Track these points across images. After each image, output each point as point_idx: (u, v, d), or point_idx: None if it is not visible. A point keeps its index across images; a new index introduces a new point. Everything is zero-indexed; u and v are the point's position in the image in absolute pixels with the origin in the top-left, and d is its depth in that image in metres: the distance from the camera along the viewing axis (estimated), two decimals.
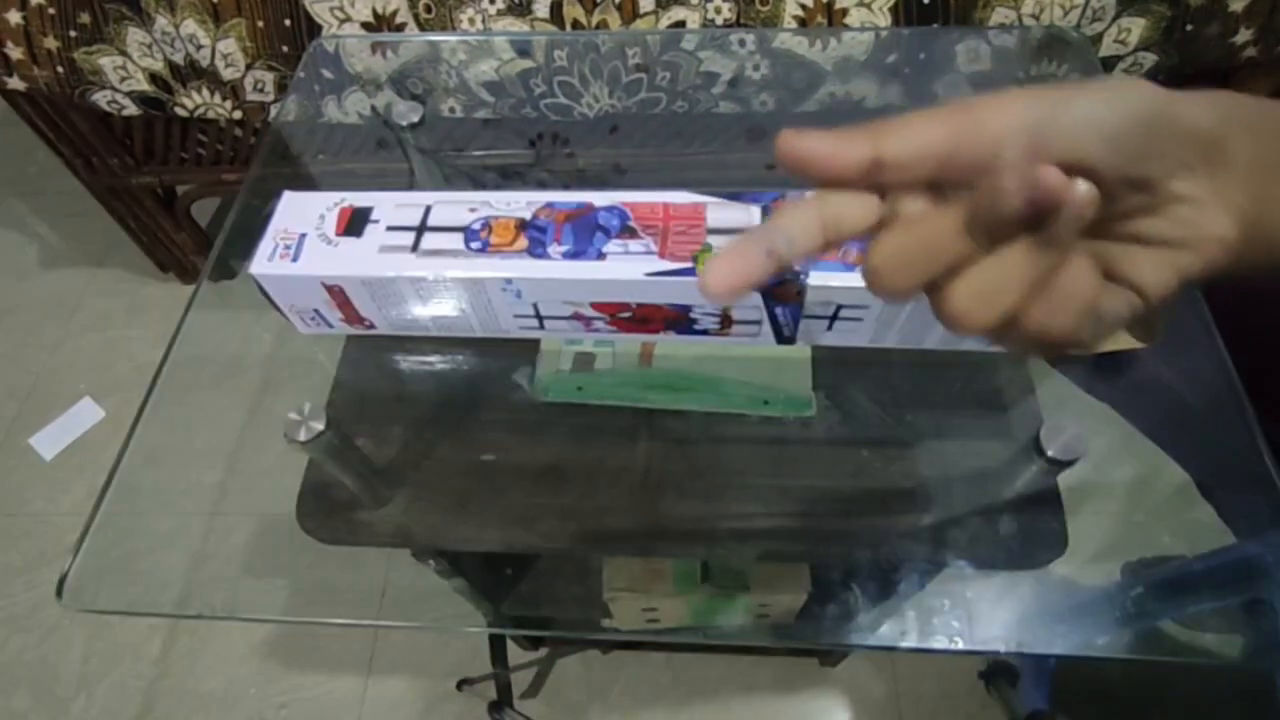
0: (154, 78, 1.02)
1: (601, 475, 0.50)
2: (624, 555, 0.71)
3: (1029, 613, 0.51)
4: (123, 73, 1.02)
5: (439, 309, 0.48)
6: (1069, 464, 0.43)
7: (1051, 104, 0.22)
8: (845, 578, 0.70)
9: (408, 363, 0.56)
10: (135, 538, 0.52)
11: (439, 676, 1.09)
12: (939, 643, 0.51)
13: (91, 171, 1.23)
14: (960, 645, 0.51)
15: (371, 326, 0.51)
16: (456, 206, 0.47)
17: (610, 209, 0.46)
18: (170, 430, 0.54)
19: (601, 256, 0.44)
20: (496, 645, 1.01)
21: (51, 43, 1.00)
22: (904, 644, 0.53)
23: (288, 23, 0.96)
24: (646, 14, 0.93)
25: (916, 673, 1.08)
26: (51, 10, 0.98)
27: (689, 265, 0.43)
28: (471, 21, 0.94)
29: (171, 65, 1.01)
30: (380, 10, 0.94)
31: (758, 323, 0.47)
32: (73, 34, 0.99)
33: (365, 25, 0.95)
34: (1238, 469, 0.52)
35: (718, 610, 0.75)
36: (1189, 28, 0.93)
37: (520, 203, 0.46)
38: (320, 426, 0.45)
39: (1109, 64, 0.96)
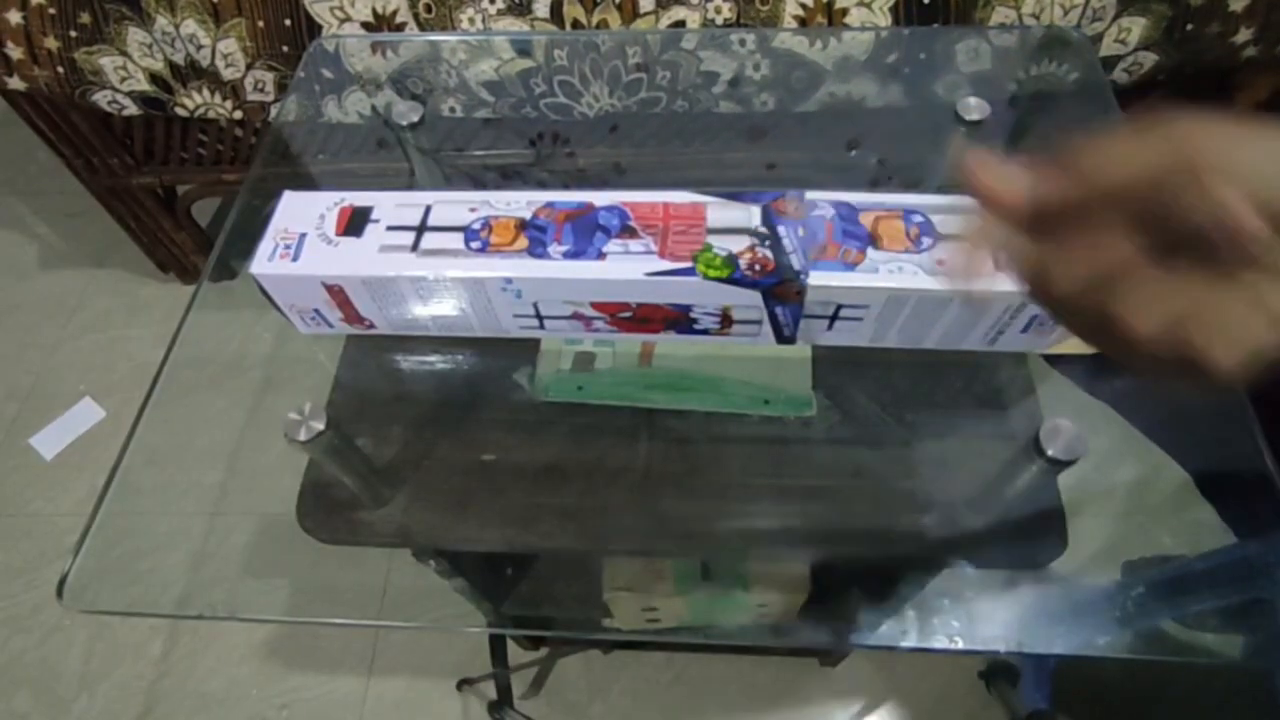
0: (154, 78, 1.02)
1: (601, 475, 0.50)
2: (624, 555, 0.71)
3: (1029, 613, 0.51)
4: (123, 73, 1.02)
5: (438, 309, 0.48)
6: (1069, 464, 0.43)
7: (1248, 145, 0.22)
8: (845, 578, 0.70)
9: (408, 363, 0.56)
10: (135, 538, 0.52)
11: (439, 676, 1.09)
12: (939, 643, 0.51)
13: (91, 171, 1.23)
14: (960, 645, 0.51)
15: (371, 326, 0.51)
16: (457, 206, 0.47)
17: (610, 209, 0.46)
18: (170, 430, 0.54)
19: (601, 256, 0.44)
20: (496, 645, 1.01)
21: (52, 43, 1.00)
22: (904, 644, 0.53)
23: (288, 23, 0.96)
24: (646, 14, 0.93)
25: (916, 673, 1.08)
26: (52, 10, 0.98)
27: (689, 265, 0.43)
28: (471, 21, 0.94)
29: (172, 65, 1.01)
30: (380, 10, 0.94)
31: (758, 322, 0.47)
32: (73, 34, 0.99)
33: (365, 25, 0.95)
34: (1238, 469, 0.52)
35: (718, 610, 0.75)
36: (1189, 27, 0.93)
37: (520, 203, 0.47)
38: (320, 426, 0.45)
39: (1109, 64, 0.96)
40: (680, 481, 0.49)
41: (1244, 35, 0.94)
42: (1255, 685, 0.69)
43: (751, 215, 0.44)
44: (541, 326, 0.49)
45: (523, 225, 0.46)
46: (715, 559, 0.70)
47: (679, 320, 0.47)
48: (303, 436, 0.45)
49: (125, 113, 1.07)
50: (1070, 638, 0.50)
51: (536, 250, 0.45)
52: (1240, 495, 0.53)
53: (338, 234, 0.47)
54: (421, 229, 0.46)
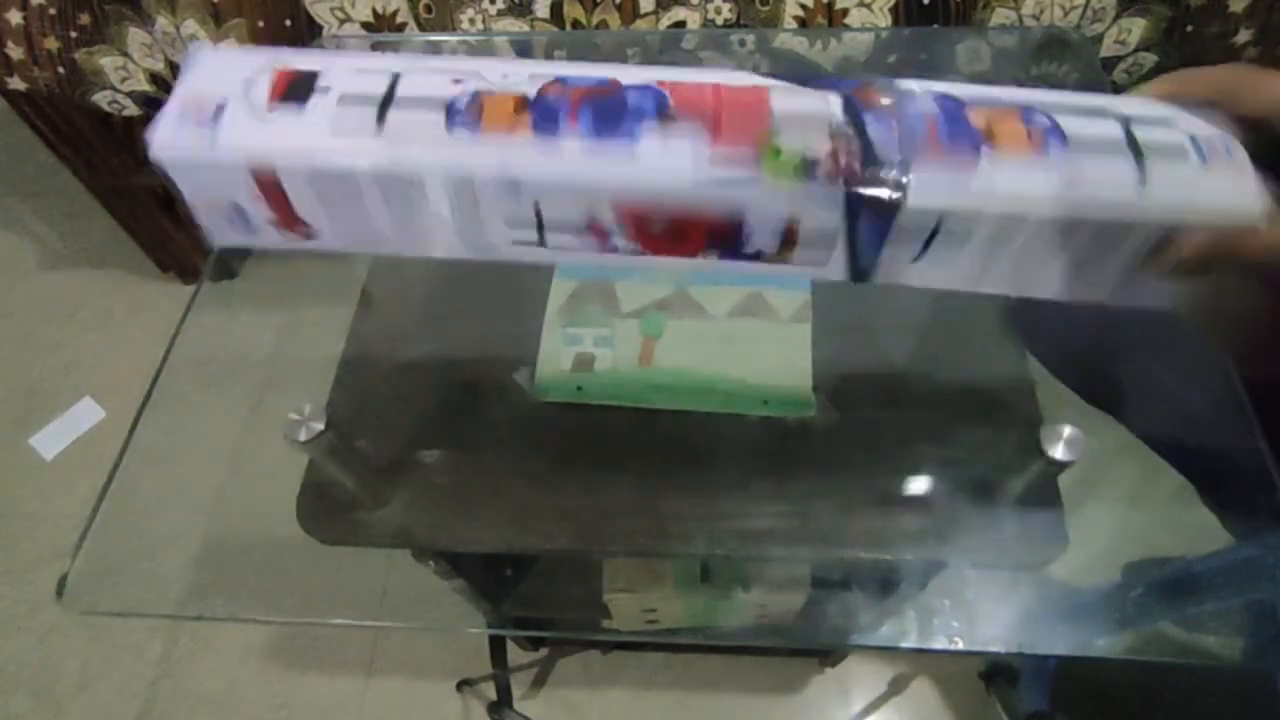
0: (154, 78, 1.02)
1: (601, 475, 0.50)
2: (623, 556, 0.71)
3: (1029, 613, 0.51)
4: (123, 73, 1.02)
5: (407, 215, 0.37)
6: (1069, 464, 0.43)
7: None
8: (845, 577, 0.70)
9: (408, 362, 0.56)
10: (135, 538, 0.52)
11: (439, 676, 1.09)
12: (939, 643, 0.51)
13: (92, 172, 1.23)
14: (960, 645, 0.51)
15: (311, 236, 0.39)
16: (435, 76, 0.35)
17: (643, 89, 0.34)
18: (170, 430, 0.54)
19: (634, 142, 0.33)
20: (496, 645, 1.01)
21: (52, 43, 1.00)
22: (904, 644, 0.53)
23: (288, 23, 0.96)
24: (646, 14, 0.93)
25: (916, 672, 1.08)
26: (52, 11, 0.98)
27: (751, 164, 0.33)
28: (471, 21, 0.94)
29: (172, 65, 1.01)
30: (380, 10, 0.94)
31: (829, 247, 0.37)
32: (73, 34, 0.99)
33: (365, 25, 0.95)
34: (1238, 471, 0.52)
35: (718, 610, 0.75)
36: (1189, 28, 0.93)
37: (520, 75, 0.35)
38: (320, 426, 0.45)
39: (1109, 64, 0.96)
40: (680, 481, 0.49)
41: (1244, 36, 0.94)
42: (1255, 686, 0.69)
43: (830, 105, 0.34)
44: (542, 242, 0.38)
45: (525, 104, 0.34)
46: (715, 560, 0.70)
47: (726, 237, 0.36)
48: (303, 437, 0.45)
49: (125, 113, 1.07)
50: (1070, 638, 0.50)
51: (545, 135, 0.33)
52: (1240, 496, 0.53)
53: (272, 102, 0.34)
54: (386, 103, 0.35)
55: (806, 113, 0.33)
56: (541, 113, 0.34)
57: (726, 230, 0.35)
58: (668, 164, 0.33)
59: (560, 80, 0.35)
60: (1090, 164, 0.33)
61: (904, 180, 0.32)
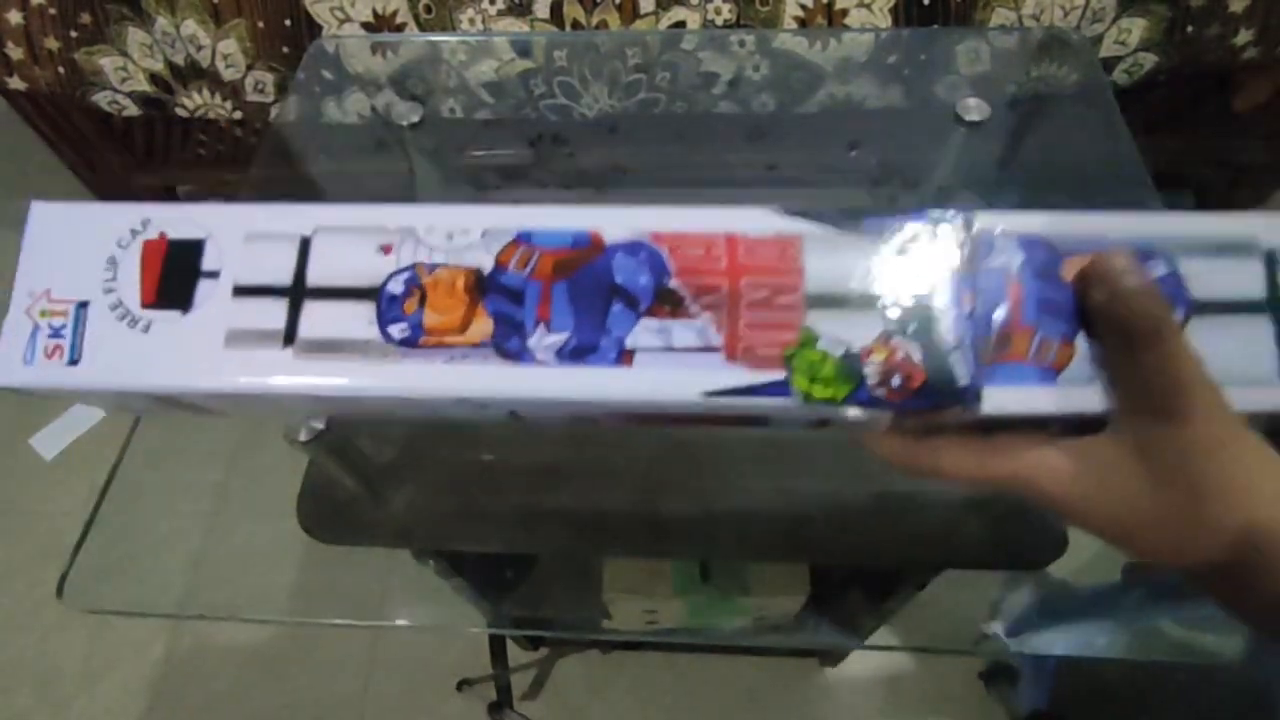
0: (154, 78, 1.03)
1: (601, 475, 0.50)
2: (623, 556, 0.71)
3: (1029, 613, 0.51)
4: (123, 73, 1.02)
5: (342, 411, 0.32)
6: None
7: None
8: (845, 578, 0.70)
9: None
10: (135, 538, 0.52)
11: (439, 676, 1.09)
12: (939, 643, 0.51)
13: (92, 172, 1.23)
14: (960, 645, 0.51)
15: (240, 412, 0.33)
16: (357, 240, 0.27)
17: (633, 248, 0.26)
18: (170, 430, 0.54)
19: (623, 358, 0.25)
20: (496, 645, 1.01)
21: (52, 43, 1.00)
22: (904, 644, 0.53)
23: (288, 23, 0.96)
24: (646, 14, 0.93)
25: (916, 673, 1.08)
26: (52, 10, 0.98)
27: (779, 376, 0.25)
28: (471, 22, 0.94)
29: (172, 66, 1.01)
30: (380, 10, 0.94)
31: (869, 426, 0.29)
32: (73, 34, 0.99)
33: (365, 25, 0.95)
34: None
35: (718, 611, 0.75)
36: (1189, 29, 0.93)
37: (471, 231, 0.26)
38: (320, 426, 0.45)
39: (1109, 65, 0.96)
40: (680, 482, 0.49)
41: (1244, 37, 0.94)
42: (1254, 686, 0.69)
43: (885, 264, 0.25)
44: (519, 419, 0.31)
45: (478, 284, 0.26)
46: (715, 560, 0.70)
47: (745, 422, 0.29)
48: (303, 436, 0.45)
49: (125, 113, 1.07)
50: (1070, 638, 0.50)
51: (508, 346, 0.25)
52: None
53: (146, 304, 0.26)
54: (298, 294, 0.26)
55: (850, 283, 0.25)
56: (502, 304, 0.26)
57: (747, 420, 0.29)
58: (670, 378, 0.25)
59: (522, 239, 0.26)
60: (1220, 338, 0.25)
61: (976, 393, 0.24)
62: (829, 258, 0.25)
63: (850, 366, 0.24)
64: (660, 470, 0.50)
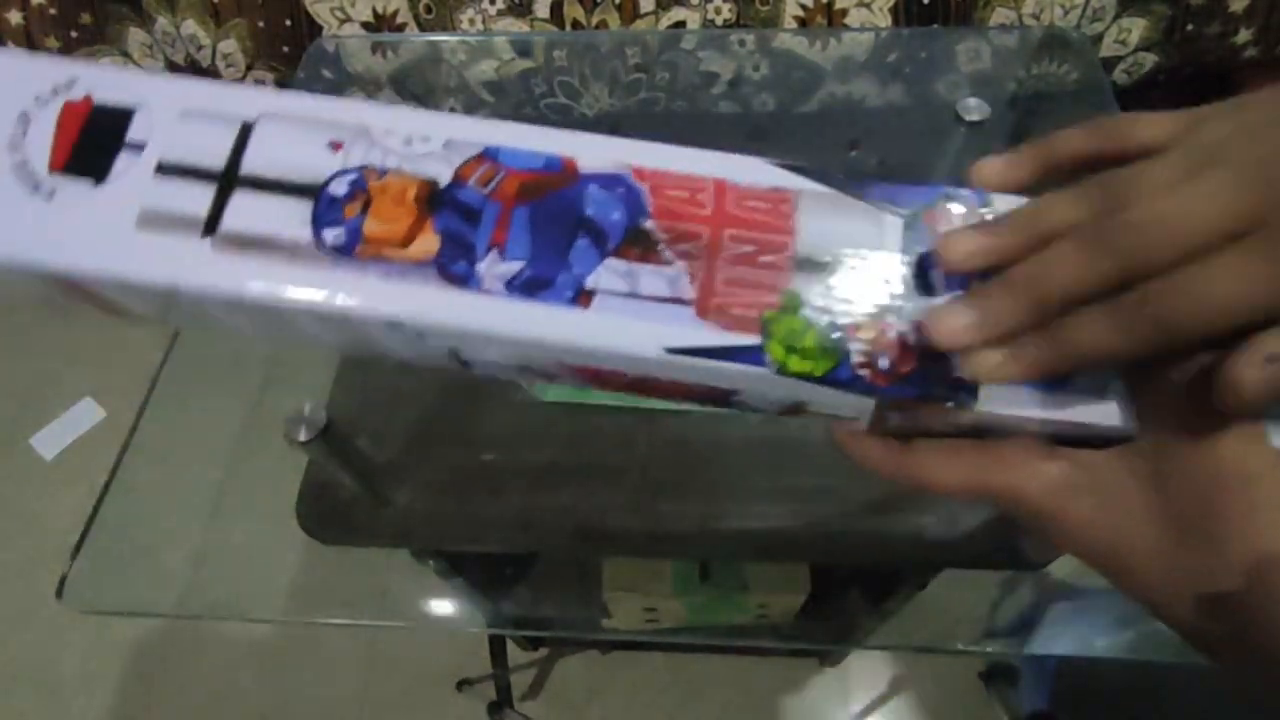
0: None
1: (601, 475, 0.50)
2: (623, 556, 0.71)
3: (1029, 613, 0.51)
4: None
5: (271, 327, 0.26)
6: None
7: None
8: (845, 578, 0.70)
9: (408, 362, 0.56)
10: (135, 538, 0.53)
11: (439, 676, 1.09)
12: (939, 643, 0.51)
13: None
14: (960, 645, 0.51)
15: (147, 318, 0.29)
16: (305, 131, 0.23)
17: (610, 181, 0.23)
18: (170, 430, 0.54)
19: (582, 298, 0.22)
20: (496, 645, 1.01)
21: (52, 43, 1.00)
22: (904, 644, 0.53)
23: (288, 23, 0.96)
24: (646, 14, 0.93)
25: (916, 673, 1.08)
26: (52, 10, 0.98)
27: (753, 340, 0.22)
28: (471, 22, 0.94)
29: (172, 65, 1.01)
30: (380, 10, 0.94)
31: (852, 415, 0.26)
32: (73, 34, 0.99)
33: (365, 25, 0.95)
34: None
35: (718, 610, 0.75)
36: (1189, 28, 0.93)
37: (432, 139, 0.23)
38: (320, 426, 0.45)
39: (1109, 64, 0.96)
40: (680, 482, 0.49)
41: (1244, 36, 0.94)
42: (1255, 686, 0.69)
43: (885, 233, 0.23)
44: (466, 367, 0.27)
45: (432, 198, 0.23)
46: (715, 559, 0.70)
47: (712, 398, 0.26)
48: (303, 436, 0.45)
49: None
50: (1070, 638, 0.50)
51: (453, 268, 0.22)
52: None
53: (55, 169, 0.23)
54: (229, 181, 0.23)
55: (846, 248, 0.23)
56: (454, 221, 0.23)
57: (713, 394, 0.25)
58: (630, 327, 0.22)
59: (489, 155, 0.23)
60: None
61: (972, 389, 0.22)
62: (826, 220, 0.23)
63: (834, 340, 0.22)
64: (660, 470, 0.49)
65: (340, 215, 0.23)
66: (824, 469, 0.50)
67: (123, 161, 0.23)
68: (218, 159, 0.23)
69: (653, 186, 0.23)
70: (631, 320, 0.22)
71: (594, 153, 0.23)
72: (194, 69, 1.01)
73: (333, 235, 0.22)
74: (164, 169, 0.23)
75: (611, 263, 0.22)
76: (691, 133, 0.99)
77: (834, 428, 0.27)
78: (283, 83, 1.01)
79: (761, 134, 0.96)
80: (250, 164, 0.23)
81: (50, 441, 1.34)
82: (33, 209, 0.23)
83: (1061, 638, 0.50)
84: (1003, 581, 0.54)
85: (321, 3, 0.95)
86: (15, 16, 0.99)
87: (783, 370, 0.22)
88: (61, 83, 0.24)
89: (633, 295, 0.22)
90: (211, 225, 0.22)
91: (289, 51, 0.98)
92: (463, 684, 1.07)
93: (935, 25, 0.91)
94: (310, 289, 0.22)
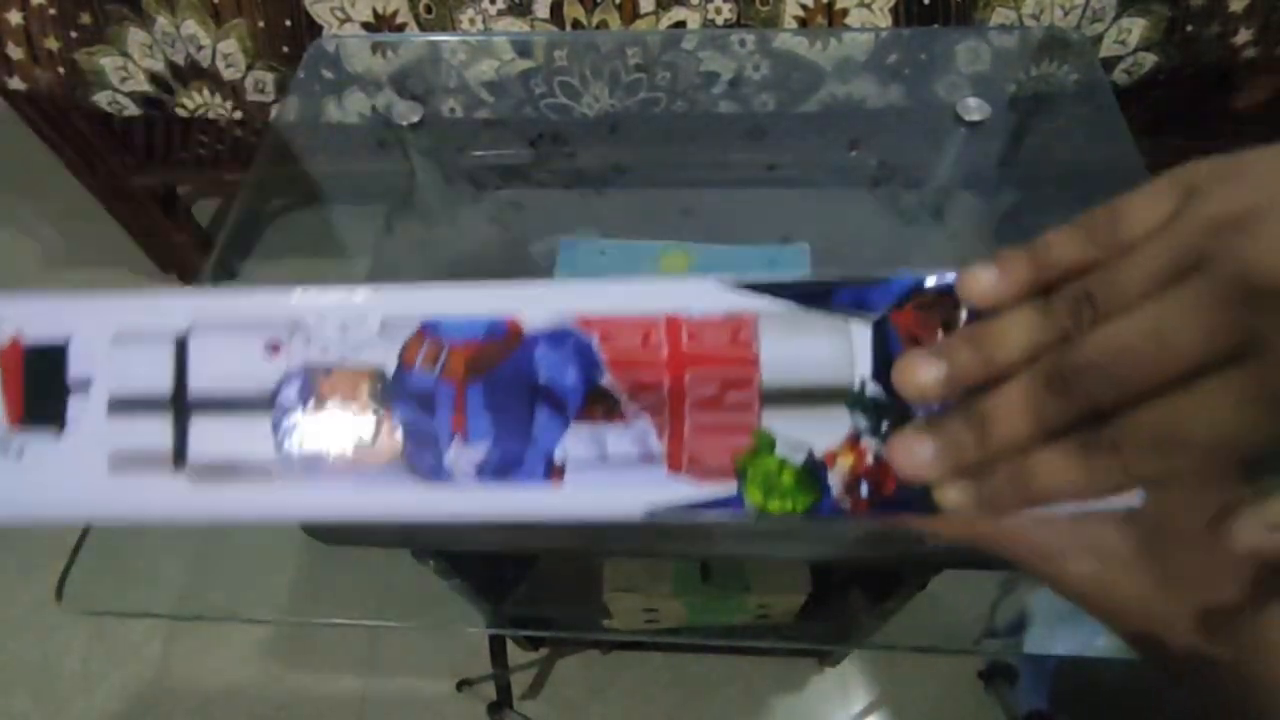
0: (154, 78, 1.02)
1: None
2: (624, 556, 0.71)
3: (1029, 613, 0.51)
4: (123, 73, 1.02)
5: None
6: None
7: None
8: (845, 578, 0.70)
9: None
10: (135, 538, 0.52)
11: (439, 676, 1.09)
12: (939, 643, 0.51)
13: (92, 172, 1.23)
14: (960, 645, 0.51)
15: None
16: (239, 337, 0.23)
17: (557, 339, 0.22)
18: None
19: (554, 473, 0.22)
20: (496, 645, 1.01)
21: (52, 43, 1.00)
22: (904, 644, 0.53)
23: (288, 23, 0.96)
24: (646, 14, 0.93)
25: (916, 672, 1.08)
26: (52, 11, 0.98)
27: (729, 490, 0.22)
28: (471, 22, 0.94)
29: (172, 65, 1.01)
30: (380, 10, 0.94)
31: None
32: (73, 34, 0.99)
33: (365, 25, 0.95)
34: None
35: (718, 610, 0.75)
36: (1189, 28, 0.93)
37: (368, 321, 0.23)
38: None
39: (1109, 65, 0.96)
40: None
41: (1244, 36, 0.94)
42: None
43: (854, 345, 0.22)
44: None
45: (384, 391, 0.22)
46: (715, 560, 0.70)
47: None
48: None
49: (125, 113, 1.07)
50: (1070, 638, 0.50)
51: (421, 465, 0.22)
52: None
53: (13, 423, 0.23)
54: (180, 408, 0.23)
55: (813, 375, 0.22)
56: (410, 412, 0.22)
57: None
58: (607, 496, 0.22)
59: (428, 330, 0.22)
60: None
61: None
62: (790, 342, 0.22)
63: (812, 474, 0.21)
64: None
65: (297, 428, 0.22)
66: None
67: (75, 405, 0.23)
68: (163, 385, 0.23)
69: (602, 336, 0.22)
70: (607, 489, 0.22)
71: (535, 307, 0.22)
72: (194, 69, 1.01)
73: (298, 452, 0.22)
74: (115, 406, 0.23)
75: (575, 429, 0.22)
76: (692, 132, 0.99)
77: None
78: (283, 83, 1.01)
79: (761, 134, 0.96)
80: (196, 386, 0.23)
81: None
82: (9, 472, 0.23)
83: (1061, 638, 0.50)
84: (1003, 581, 0.54)
85: (321, 3, 0.95)
86: (15, 17, 0.99)
87: (764, 512, 0.22)
88: None
89: (603, 460, 0.22)
90: (179, 456, 0.22)
91: (289, 51, 0.98)
92: (463, 684, 1.07)
93: (935, 26, 0.91)
94: (290, 508, 0.23)
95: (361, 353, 0.22)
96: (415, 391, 0.22)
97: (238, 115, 1.06)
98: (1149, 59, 0.96)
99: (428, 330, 0.22)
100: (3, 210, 1.65)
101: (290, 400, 0.22)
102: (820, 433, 0.21)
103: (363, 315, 0.22)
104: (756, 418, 0.22)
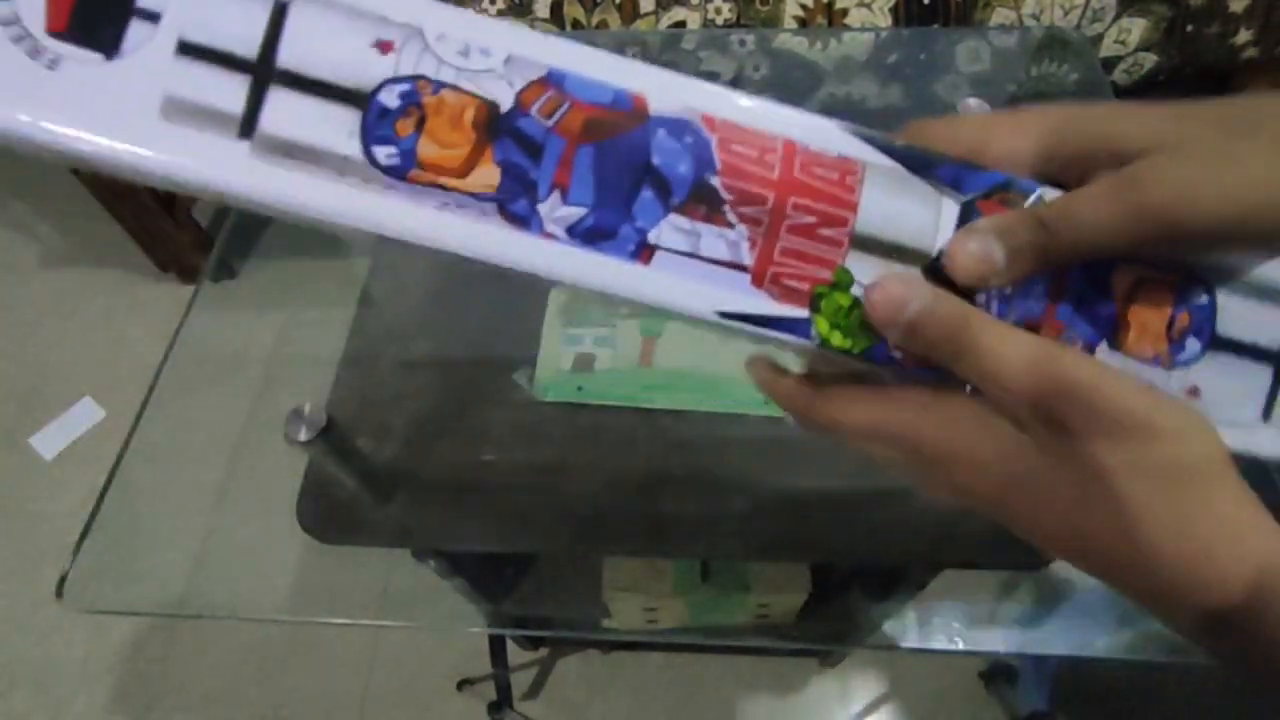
0: None
1: (601, 475, 0.50)
2: (624, 555, 0.71)
3: (1029, 613, 0.51)
4: None
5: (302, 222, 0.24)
6: None
7: None
8: (845, 578, 0.70)
9: (408, 362, 0.56)
10: (135, 538, 0.53)
11: (439, 676, 1.09)
12: (939, 643, 0.51)
13: (91, 171, 1.23)
14: (960, 645, 0.51)
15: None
16: (348, 23, 0.21)
17: (679, 127, 0.22)
18: (170, 430, 0.54)
19: (643, 253, 0.22)
20: (496, 645, 1.01)
21: None
22: (904, 644, 0.53)
23: None
24: (646, 14, 0.93)
25: (916, 673, 1.08)
26: None
27: (802, 314, 0.23)
28: None
29: None
30: None
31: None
32: None
33: None
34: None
35: (718, 610, 0.75)
36: (1189, 28, 0.93)
37: (493, 53, 0.22)
38: (320, 426, 0.45)
39: (1109, 65, 0.96)
40: (680, 482, 0.49)
41: (1244, 36, 0.94)
42: (1255, 686, 0.69)
43: (942, 218, 0.23)
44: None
45: (491, 123, 0.22)
46: (715, 559, 0.70)
47: None
48: (303, 436, 0.45)
49: None
50: (1070, 638, 0.50)
51: (513, 206, 0.22)
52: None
53: (53, 30, 0.20)
54: (263, 73, 0.21)
55: (907, 223, 0.23)
56: (514, 154, 0.22)
57: None
58: (687, 288, 0.23)
59: (553, 81, 0.22)
60: (1217, 383, 0.25)
61: None
62: (888, 198, 0.23)
63: (871, 326, 0.23)
64: (660, 470, 0.50)
65: (392, 132, 0.21)
66: (824, 469, 0.50)
67: (136, 32, 0.20)
68: (249, 46, 0.21)
69: (721, 139, 0.22)
70: (689, 281, 0.22)
71: (665, 93, 0.22)
72: None
73: (385, 154, 0.21)
74: (186, 49, 0.20)
75: (675, 219, 0.22)
76: None
77: (751, 361, 0.27)
78: None
79: None
80: (287, 56, 0.21)
81: (50, 441, 1.34)
82: (34, 76, 0.20)
83: (1061, 638, 0.50)
84: (1003, 581, 0.54)
85: None
86: None
87: (824, 344, 0.23)
88: None
89: (693, 255, 0.22)
90: (248, 125, 0.21)
91: None
92: (463, 684, 1.07)
93: (935, 25, 0.91)
94: (364, 212, 0.21)
95: (479, 81, 0.22)
96: (524, 135, 0.22)
97: None
98: (1149, 59, 0.96)
99: (553, 80, 0.22)
100: (3, 210, 1.65)
101: (390, 103, 0.21)
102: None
103: (488, 44, 0.22)
104: (842, 256, 0.23)
